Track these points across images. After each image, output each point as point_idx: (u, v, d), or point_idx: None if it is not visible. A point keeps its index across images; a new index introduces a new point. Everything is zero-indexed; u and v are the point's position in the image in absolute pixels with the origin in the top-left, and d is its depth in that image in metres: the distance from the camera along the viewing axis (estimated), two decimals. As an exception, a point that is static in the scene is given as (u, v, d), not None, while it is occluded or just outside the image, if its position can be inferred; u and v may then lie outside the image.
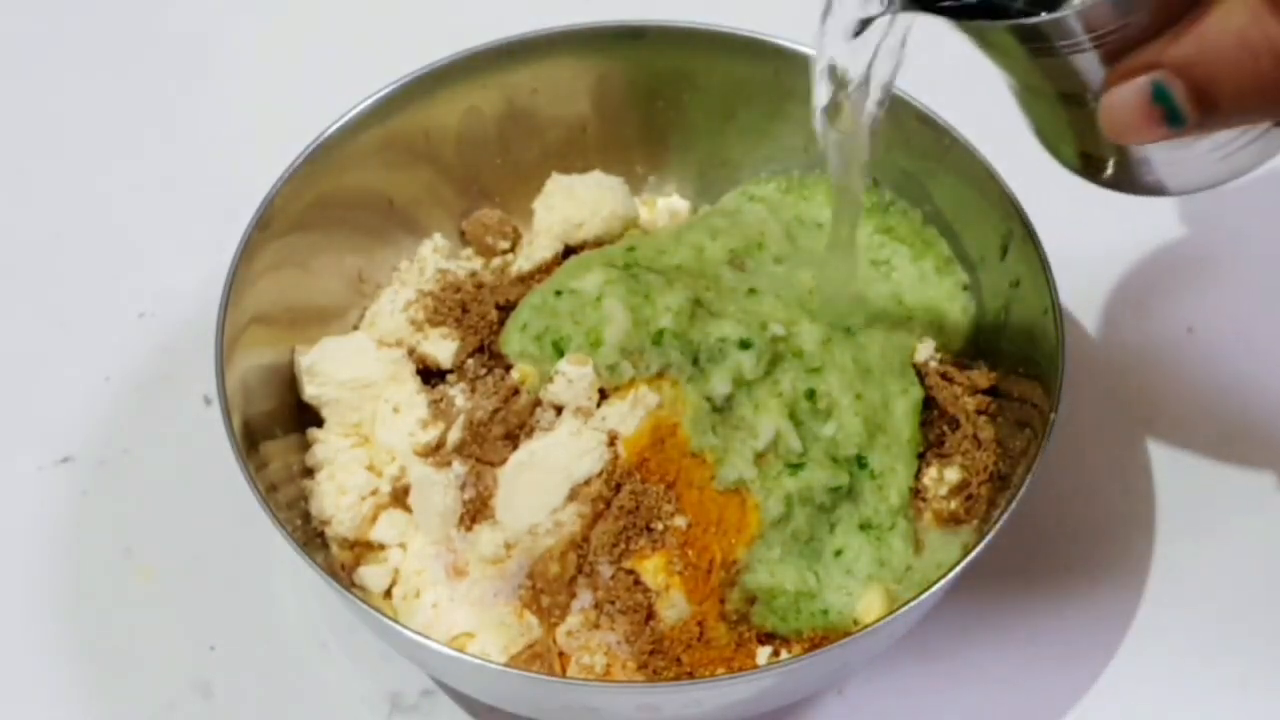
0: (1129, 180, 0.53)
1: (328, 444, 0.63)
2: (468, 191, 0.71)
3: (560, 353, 0.63)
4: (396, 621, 0.56)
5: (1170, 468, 0.69)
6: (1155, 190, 0.53)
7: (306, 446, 0.64)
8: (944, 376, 0.65)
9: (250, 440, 0.59)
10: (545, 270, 0.68)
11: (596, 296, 0.63)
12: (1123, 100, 0.46)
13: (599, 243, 0.69)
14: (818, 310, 0.64)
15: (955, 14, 0.49)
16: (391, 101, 0.67)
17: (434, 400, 0.64)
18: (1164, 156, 0.51)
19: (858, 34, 0.52)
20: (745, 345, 0.61)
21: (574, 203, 0.69)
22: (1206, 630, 0.64)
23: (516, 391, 0.63)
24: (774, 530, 0.59)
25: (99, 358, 0.73)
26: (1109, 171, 0.54)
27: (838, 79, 0.54)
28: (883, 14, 0.51)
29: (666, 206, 0.73)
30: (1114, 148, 0.51)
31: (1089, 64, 0.47)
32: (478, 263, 0.70)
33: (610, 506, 0.60)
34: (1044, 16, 0.46)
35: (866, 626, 0.53)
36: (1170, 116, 0.46)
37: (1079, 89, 0.48)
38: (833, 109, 0.55)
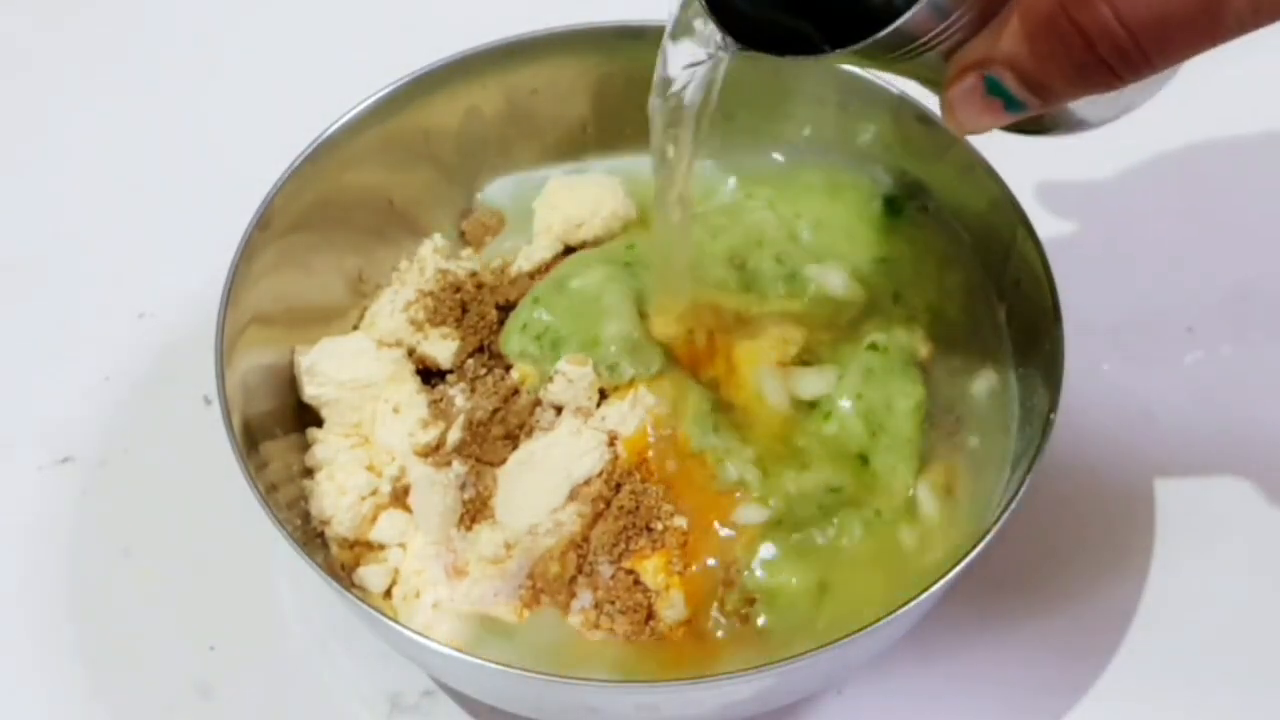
0: (1043, 125, 0.53)
1: (328, 444, 0.63)
2: (468, 191, 0.71)
3: (560, 353, 0.63)
4: (396, 621, 0.56)
5: (1170, 468, 0.68)
6: (1075, 128, 0.53)
7: (306, 446, 0.64)
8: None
9: (250, 440, 0.59)
10: (545, 270, 0.68)
11: (597, 295, 0.63)
12: (959, 98, 0.47)
13: (599, 243, 0.69)
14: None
15: (798, 49, 0.48)
16: (391, 101, 0.66)
17: (434, 400, 0.64)
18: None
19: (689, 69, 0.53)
20: None
21: (574, 203, 0.69)
22: (1206, 630, 0.64)
23: (516, 391, 0.63)
24: (774, 530, 0.59)
25: (99, 358, 0.73)
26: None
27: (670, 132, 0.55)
28: (713, 57, 0.51)
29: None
30: None
31: (935, 62, 0.47)
32: (478, 263, 0.70)
33: (610, 506, 0.60)
34: (861, 43, 0.45)
35: (866, 626, 0.53)
36: (1009, 104, 0.46)
37: (941, 79, 0.48)
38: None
